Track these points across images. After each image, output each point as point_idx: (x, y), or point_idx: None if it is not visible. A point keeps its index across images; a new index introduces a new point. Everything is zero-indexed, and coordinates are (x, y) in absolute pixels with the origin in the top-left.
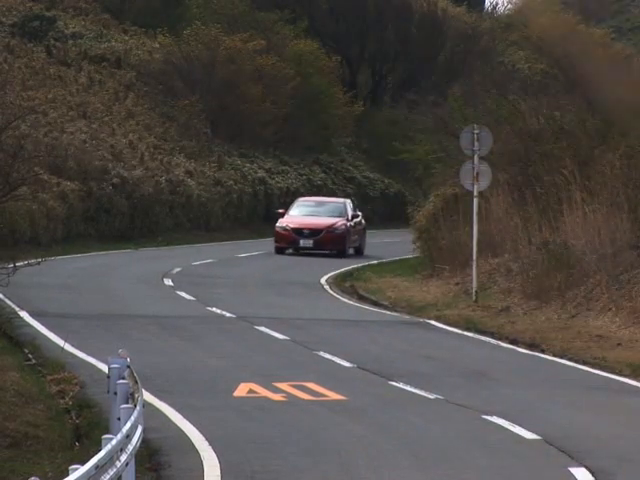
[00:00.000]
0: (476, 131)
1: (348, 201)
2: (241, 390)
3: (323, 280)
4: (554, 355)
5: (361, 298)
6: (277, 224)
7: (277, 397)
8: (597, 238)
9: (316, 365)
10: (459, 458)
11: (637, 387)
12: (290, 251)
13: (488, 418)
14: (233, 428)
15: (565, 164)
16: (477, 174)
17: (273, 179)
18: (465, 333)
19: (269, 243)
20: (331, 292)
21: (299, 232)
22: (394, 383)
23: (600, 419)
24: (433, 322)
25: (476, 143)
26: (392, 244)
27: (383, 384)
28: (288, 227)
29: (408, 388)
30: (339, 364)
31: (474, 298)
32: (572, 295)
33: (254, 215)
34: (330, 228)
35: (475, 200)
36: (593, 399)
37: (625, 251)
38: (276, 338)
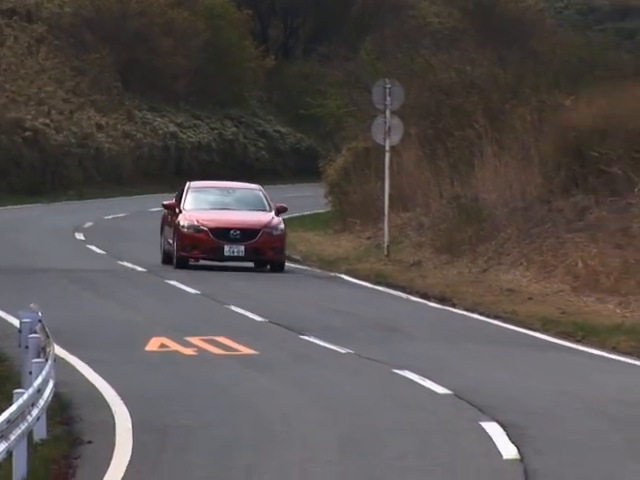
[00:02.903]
0: (388, 85)
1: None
2: (153, 344)
3: None
4: (465, 309)
5: None
6: (180, 222)
7: (188, 351)
8: (508, 192)
9: (227, 319)
10: (371, 412)
11: (547, 341)
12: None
13: (399, 372)
14: (145, 382)
15: (476, 118)
16: (389, 128)
17: (184, 133)
18: (376, 287)
19: None
20: None
21: (222, 234)
22: (305, 337)
23: (511, 373)
24: (344, 276)
25: (388, 97)
26: (304, 198)
27: (294, 338)
28: (202, 226)
29: (319, 342)
30: (250, 318)
31: (385, 252)
32: (483, 249)
33: (165, 169)
34: (268, 227)
35: (387, 154)
36: (504, 353)
37: (536, 205)
38: (187, 292)
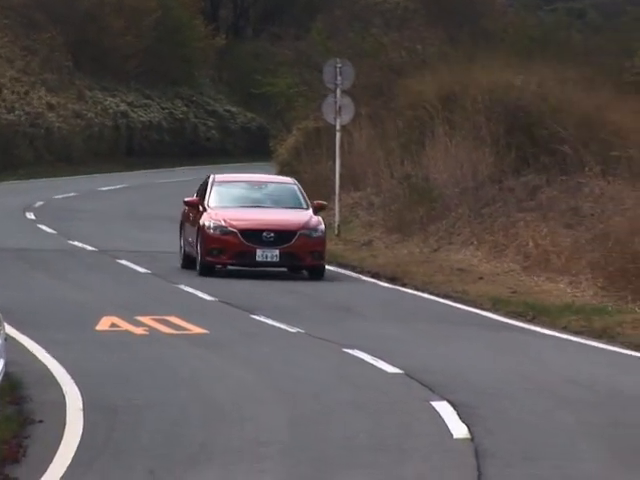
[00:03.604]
0: (339, 65)
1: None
2: (103, 324)
3: None
4: (416, 289)
5: None
6: (204, 222)
7: (139, 331)
8: (459, 172)
9: (178, 299)
10: (321, 392)
11: (498, 321)
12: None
13: (350, 352)
14: (95, 362)
15: (427, 98)
16: (339, 108)
17: (135, 113)
18: (327, 267)
19: (134, 176)
20: None
21: (254, 236)
22: (256, 317)
23: (461, 353)
24: None
25: (339, 77)
26: None
27: (245, 318)
28: (231, 227)
29: (270, 322)
30: (201, 298)
31: (336, 232)
32: (434, 229)
33: (116, 149)
34: (306, 228)
35: (338, 134)
36: (455, 333)
37: (487, 185)
38: (138, 272)
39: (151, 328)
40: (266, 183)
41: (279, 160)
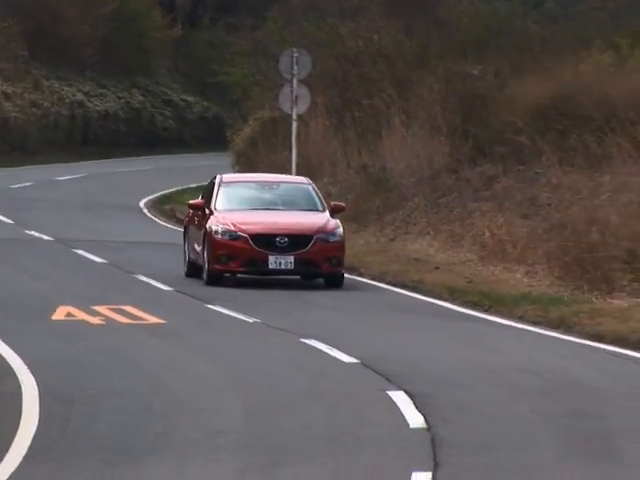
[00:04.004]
0: (295, 54)
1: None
2: (59, 313)
3: (142, 203)
4: (372, 279)
5: (179, 221)
6: (212, 227)
7: (95, 320)
8: (415, 162)
9: (134, 288)
10: (278, 382)
11: (454, 310)
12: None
13: (307, 342)
14: (52, 352)
15: (384, 87)
16: (296, 97)
17: (91, 102)
18: None
19: (90, 166)
20: (150, 215)
21: (266, 242)
22: (212, 306)
23: (418, 342)
24: None
25: (295, 66)
26: (210, 167)
27: (201, 307)
28: (240, 232)
29: (227, 312)
30: (157, 287)
31: None
32: (390, 219)
33: (72, 138)
34: (323, 232)
35: (294, 124)
36: (411, 322)
37: (443, 175)
38: (94, 261)
39: (107, 318)
40: (278, 183)
41: (235, 150)
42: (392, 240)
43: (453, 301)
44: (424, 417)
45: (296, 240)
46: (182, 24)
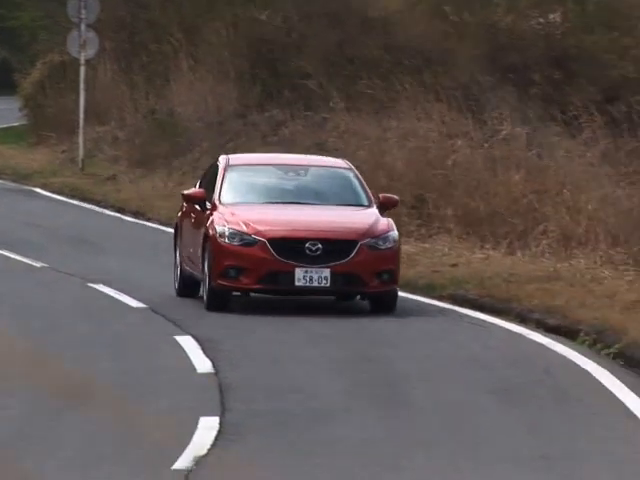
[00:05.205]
0: None
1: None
2: None
3: None
4: (160, 223)
5: None
6: (215, 227)
7: None
8: (204, 106)
9: None
10: (66, 326)
11: None
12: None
13: (94, 286)
14: None
15: (172, 32)
16: (84, 42)
17: None
18: (71, 201)
19: None
20: None
21: (292, 249)
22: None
23: None
24: (39, 190)
25: (83, 10)
26: None
27: None
28: (256, 235)
29: (13, 256)
30: None
31: (80, 166)
32: (178, 163)
33: None
34: (369, 236)
35: (82, 68)
36: None
37: (231, 120)
38: None
39: None
40: (307, 167)
41: (23, 94)
42: (180, 185)
43: None
44: (212, 362)
45: (333, 247)
46: None
